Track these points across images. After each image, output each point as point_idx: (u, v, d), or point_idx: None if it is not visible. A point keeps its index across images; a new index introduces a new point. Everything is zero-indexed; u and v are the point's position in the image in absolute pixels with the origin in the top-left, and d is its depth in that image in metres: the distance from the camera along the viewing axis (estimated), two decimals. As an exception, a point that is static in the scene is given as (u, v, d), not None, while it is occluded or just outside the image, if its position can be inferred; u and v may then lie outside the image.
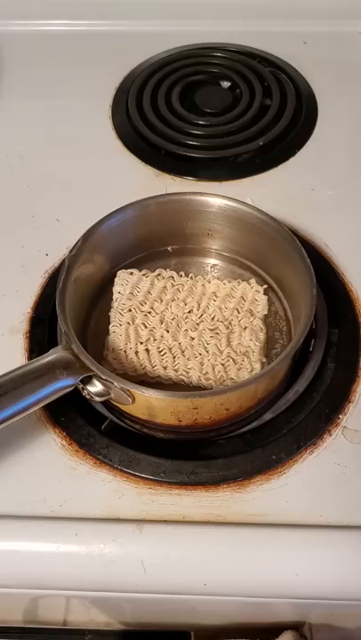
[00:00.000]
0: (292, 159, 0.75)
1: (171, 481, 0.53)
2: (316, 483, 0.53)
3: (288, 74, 0.84)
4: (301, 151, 0.76)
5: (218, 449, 0.55)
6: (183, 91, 0.82)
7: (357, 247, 0.67)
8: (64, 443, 0.55)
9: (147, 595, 0.52)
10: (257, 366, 0.57)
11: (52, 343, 0.60)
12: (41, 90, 0.84)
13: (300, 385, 0.57)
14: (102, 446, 0.54)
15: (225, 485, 0.53)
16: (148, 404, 0.52)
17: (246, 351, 0.58)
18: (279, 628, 0.57)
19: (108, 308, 0.61)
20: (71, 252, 0.57)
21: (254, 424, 0.56)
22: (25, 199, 0.72)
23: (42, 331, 0.61)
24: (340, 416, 0.56)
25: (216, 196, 0.61)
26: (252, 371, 0.57)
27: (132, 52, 0.87)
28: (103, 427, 0.56)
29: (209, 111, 0.80)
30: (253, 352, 0.57)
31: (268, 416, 0.57)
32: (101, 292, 0.63)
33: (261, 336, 0.59)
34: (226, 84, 0.84)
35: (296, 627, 0.58)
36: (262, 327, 0.59)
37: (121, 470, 0.53)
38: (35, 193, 0.73)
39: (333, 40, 0.87)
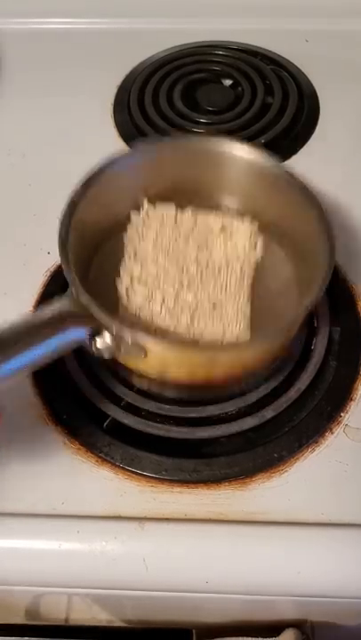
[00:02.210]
0: (294, 157, 0.75)
1: (172, 479, 0.53)
2: (318, 481, 0.53)
3: (290, 72, 0.84)
4: (303, 149, 0.76)
5: (219, 447, 0.55)
6: (185, 89, 0.82)
7: (359, 246, 0.67)
8: (65, 441, 0.55)
9: (148, 592, 0.52)
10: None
11: (54, 341, 0.60)
12: (42, 88, 0.84)
13: (302, 383, 0.57)
14: (104, 444, 0.54)
15: (226, 483, 0.53)
16: (161, 358, 0.50)
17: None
18: (281, 626, 0.57)
19: (114, 255, 0.59)
20: (74, 194, 0.56)
21: (256, 422, 0.56)
22: (27, 198, 0.72)
23: (43, 329, 0.61)
24: (342, 414, 0.56)
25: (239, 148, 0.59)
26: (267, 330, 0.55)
27: (133, 50, 0.87)
28: (105, 425, 0.56)
29: (211, 109, 0.80)
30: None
31: (269, 414, 0.56)
32: (106, 238, 0.60)
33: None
34: (227, 82, 0.84)
35: (298, 625, 0.58)
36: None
37: (123, 468, 0.54)
38: (36, 191, 0.73)
39: (335, 38, 0.87)
